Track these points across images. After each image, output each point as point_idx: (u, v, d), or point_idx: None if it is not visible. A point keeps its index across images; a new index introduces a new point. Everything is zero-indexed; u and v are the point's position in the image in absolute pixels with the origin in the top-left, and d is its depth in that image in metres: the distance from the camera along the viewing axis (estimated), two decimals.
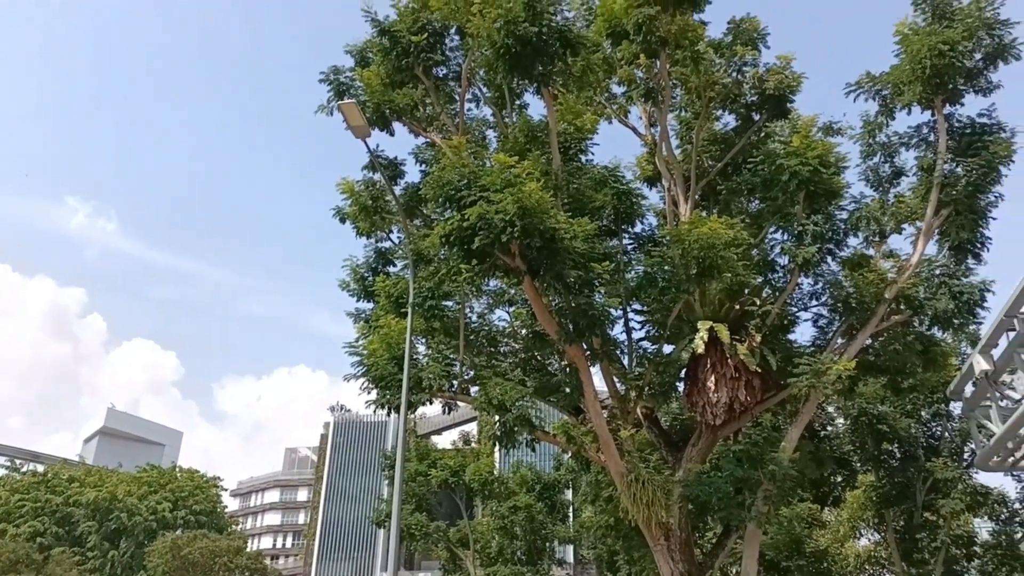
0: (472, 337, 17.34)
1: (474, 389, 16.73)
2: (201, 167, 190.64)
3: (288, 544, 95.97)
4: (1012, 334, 14.33)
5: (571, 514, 34.92)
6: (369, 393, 16.06)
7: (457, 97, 18.04)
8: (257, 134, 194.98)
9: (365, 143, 16.13)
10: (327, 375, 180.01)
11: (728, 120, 19.17)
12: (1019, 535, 26.55)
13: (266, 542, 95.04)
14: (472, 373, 16.84)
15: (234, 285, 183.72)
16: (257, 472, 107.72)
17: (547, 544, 33.02)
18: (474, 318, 17.94)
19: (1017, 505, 26.46)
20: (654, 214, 19.73)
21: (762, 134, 18.39)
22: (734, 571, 21.85)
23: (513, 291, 17.72)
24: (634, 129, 20.18)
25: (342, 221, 19.13)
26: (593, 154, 17.30)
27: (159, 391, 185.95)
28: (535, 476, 32.94)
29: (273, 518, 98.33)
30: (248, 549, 62.81)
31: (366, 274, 18.95)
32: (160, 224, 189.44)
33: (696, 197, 18.49)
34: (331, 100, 17.71)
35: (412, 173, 21.30)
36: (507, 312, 18.72)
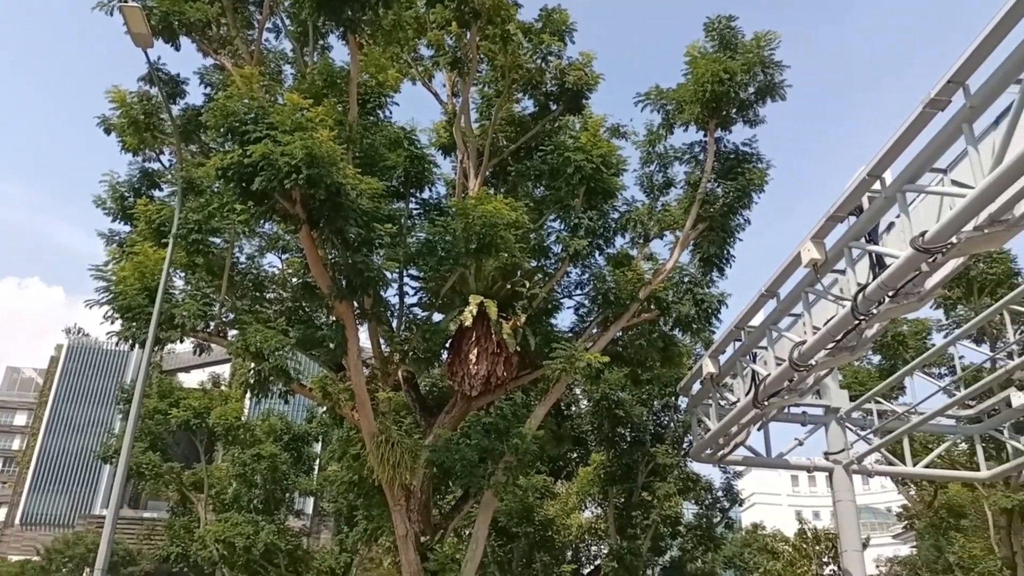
0: (237, 278, 16.56)
1: (232, 333, 16.02)
2: None
3: None
4: (738, 344, 16.13)
5: (316, 467, 34.58)
6: (113, 323, 14.84)
7: (256, 24, 17.01)
8: (14, 21, 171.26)
9: (146, 53, 14.76)
10: (64, 292, 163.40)
11: (527, 104, 19.68)
12: (717, 519, 30.11)
13: None
14: (232, 316, 16.10)
15: None
16: None
17: (287, 495, 32.48)
18: (242, 259, 17.13)
19: (720, 493, 29.93)
20: (444, 183, 19.91)
21: (556, 124, 19.08)
22: (467, 533, 22.81)
23: (288, 238, 17.13)
24: (436, 95, 20.14)
25: (107, 132, 17.41)
26: (391, 112, 17.05)
27: None
28: (285, 426, 32.19)
29: None
30: None
31: (127, 194, 17.39)
32: None
33: (487, 174, 18.86)
34: None
35: (195, 95, 19.77)
36: (279, 258, 18.07)
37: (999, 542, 27.92)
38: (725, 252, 17.85)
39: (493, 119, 18.80)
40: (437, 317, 17.51)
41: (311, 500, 42.68)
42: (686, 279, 17.83)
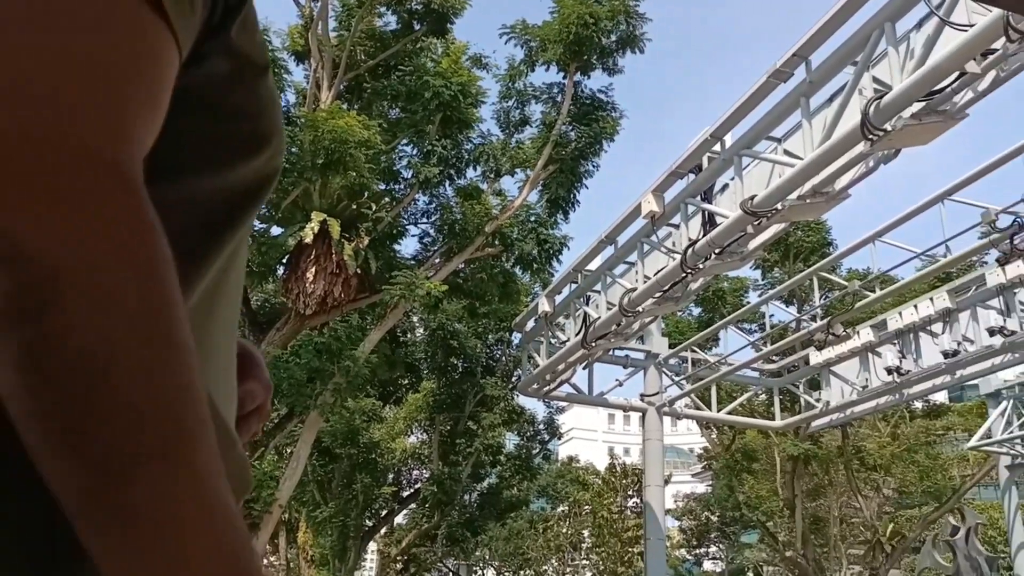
0: None
1: None
2: None
3: None
4: (574, 286, 16.64)
5: None
6: None
7: None
8: None
9: None
10: None
11: (390, 20, 18.99)
12: (536, 451, 31.44)
13: None
14: None
15: None
16: None
17: None
18: None
19: (541, 426, 31.21)
20: (294, 91, 18.99)
21: (418, 46, 18.56)
22: (288, 452, 22.56)
23: None
24: None
25: None
26: None
27: None
28: None
29: None
30: None
31: None
32: None
33: (341, 87, 18.12)
34: None
35: None
36: None
37: (783, 485, 30.96)
38: (572, 196, 18.24)
39: (353, 30, 17.99)
40: (276, 231, 16.89)
41: None
42: (532, 218, 18.11)
